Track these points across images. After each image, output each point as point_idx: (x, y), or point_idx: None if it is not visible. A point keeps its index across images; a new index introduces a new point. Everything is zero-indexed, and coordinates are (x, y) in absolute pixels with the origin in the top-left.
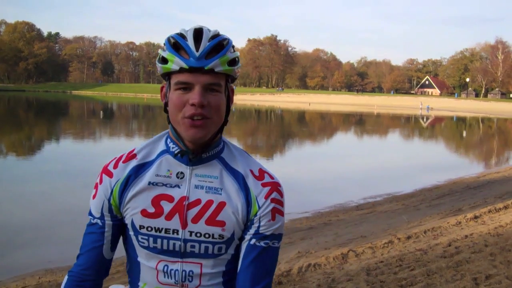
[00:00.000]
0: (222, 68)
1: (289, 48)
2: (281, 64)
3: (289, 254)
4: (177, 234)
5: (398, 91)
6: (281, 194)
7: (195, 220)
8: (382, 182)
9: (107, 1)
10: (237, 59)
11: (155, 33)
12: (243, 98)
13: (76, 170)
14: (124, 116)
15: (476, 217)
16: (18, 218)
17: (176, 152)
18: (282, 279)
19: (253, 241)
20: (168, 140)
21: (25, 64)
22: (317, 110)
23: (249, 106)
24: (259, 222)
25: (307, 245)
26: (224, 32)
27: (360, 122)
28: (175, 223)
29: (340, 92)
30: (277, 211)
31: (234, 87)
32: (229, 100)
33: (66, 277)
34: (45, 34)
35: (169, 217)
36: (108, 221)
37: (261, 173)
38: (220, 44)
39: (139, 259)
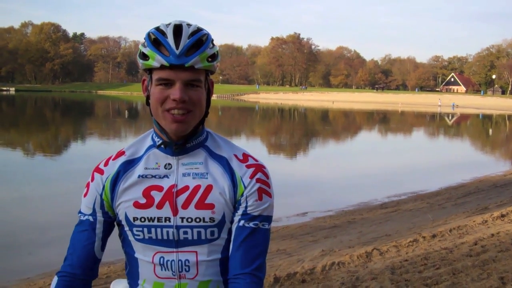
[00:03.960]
0: (202, 65)
1: (312, 46)
2: (304, 62)
3: (313, 252)
4: (169, 221)
5: (423, 88)
6: (266, 175)
7: (185, 206)
8: (406, 180)
9: (130, 2)
10: (216, 53)
11: None
12: (267, 97)
13: None
14: (148, 115)
15: (502, 215)
16: (45, 216)
17: (159, 143)
18: (306, 277)
19: (242, 222)
20: (154, 134)
21: (51, 65)
22: (340, 109)
23: (273, 105)
24: (246, 202)
25: (331, 243)
26: (247, 31)
27: (384, 120)
28: (166, 211)
29: (363, 90)
30: (263, 191)
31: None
32: (209, 93)
33: (56, 278)
34: (71, 35)
35: (160, 206)
36: (99, 217)
37: (245, 157)
38: (199, 40)
39: (136, 255)
